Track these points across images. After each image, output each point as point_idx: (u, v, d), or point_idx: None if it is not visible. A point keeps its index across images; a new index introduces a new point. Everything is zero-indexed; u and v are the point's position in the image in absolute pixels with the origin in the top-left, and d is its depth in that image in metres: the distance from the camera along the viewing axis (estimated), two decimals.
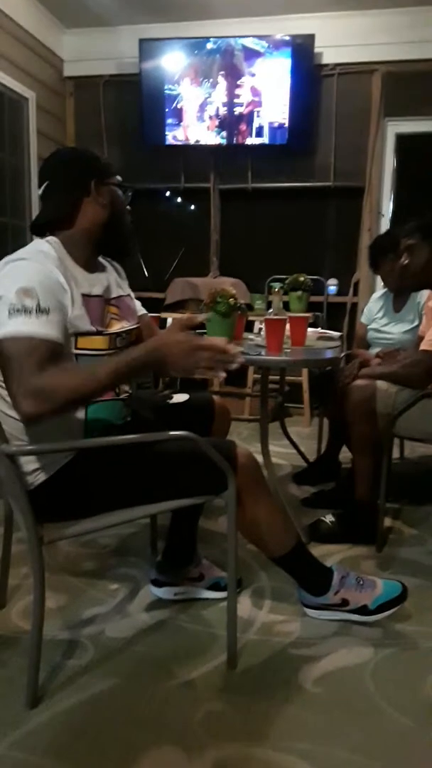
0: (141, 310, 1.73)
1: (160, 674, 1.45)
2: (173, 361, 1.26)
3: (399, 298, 2.89)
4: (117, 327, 1.51)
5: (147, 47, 4.05)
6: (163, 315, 3.87)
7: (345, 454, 2.59)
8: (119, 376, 1.28)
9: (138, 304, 1.74)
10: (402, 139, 4.13)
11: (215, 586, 1.77)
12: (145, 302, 3.93)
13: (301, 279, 3.46)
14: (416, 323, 2.82)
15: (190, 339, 1.27)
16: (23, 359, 1.21)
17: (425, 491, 2.76)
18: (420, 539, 2.23)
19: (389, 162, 4.15)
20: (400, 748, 1.24)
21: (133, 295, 1.69)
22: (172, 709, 1.34)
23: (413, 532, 2.29)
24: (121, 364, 1.27)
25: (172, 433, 1.39)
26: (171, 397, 1.80)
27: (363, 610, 1.63)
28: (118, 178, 1.55)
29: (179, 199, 4.46)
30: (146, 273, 4.42)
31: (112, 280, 1.57)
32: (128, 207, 1.58)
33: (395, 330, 2.92)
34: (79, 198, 1.45)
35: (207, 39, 3.97)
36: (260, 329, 2.58)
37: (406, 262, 2.10)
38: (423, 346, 2.07)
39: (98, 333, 1.42)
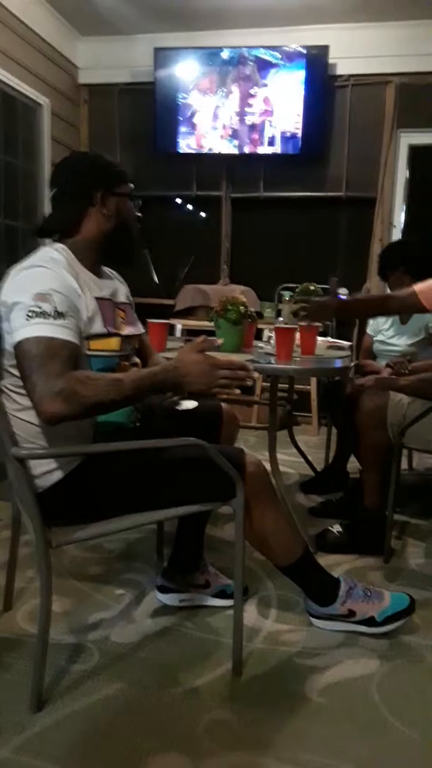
0: (140, 329, 1.74)
1: (165, 681, 1.45)
2: (192, 381, 1.32)
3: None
4: (126, 331, 1.53)
5: (162, 56, 4.08)
6: (173, 321, 3.88)
7: (353, 464, 2.58)
8: (141, 390, 1.30)
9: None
10: (415, 151, 4.13)
11: (221, 594, 1.77)
12: (156, 308, 3.95)
13: (312, 288, 3.47)
14: (422, 336, 2.83)
15: (207, 358, 1.33)
16: (46, 361, 1.22)
17: None
18: (428, 551, 2.21)
19: (402, 173, 4.15)
20: (406, 762, 1.23)
21: (133, 306, 1.69)
22: (176, 716, 1.33)
23: (421, 544, 2.27)
24: (144, 378, 1.30)
25: (180, 439, 1.39)
26: (180, 404, 1.81)
27: (370, 622, 1.62)
28: (131, 186, 1.56)
29: (191, 207, 4.48)
30: (156, 279, 4.44)
31: (119, 286, 1.60)
32: (139, 215, 1.60)
33: (401, 342, 2.92)
34: (84, 207, 1.47)
35: (221, 49, 4.00)
36: (270, 337, 2.58)
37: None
38: None
39: (111, 334, 1.43)
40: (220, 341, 1.50)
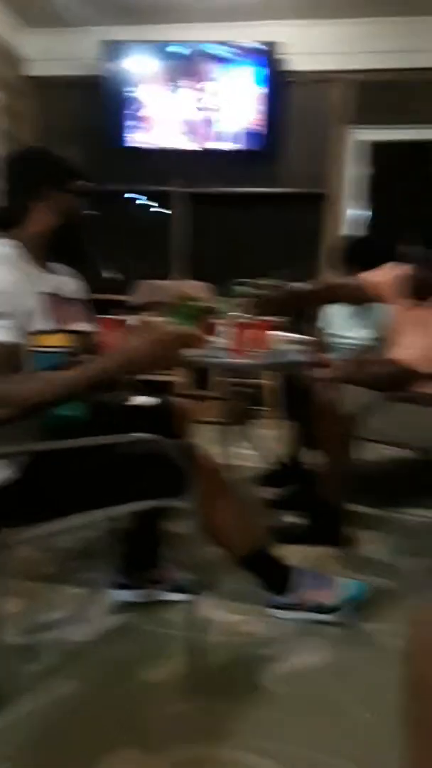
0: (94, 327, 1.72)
1: (122, 677, 1.44)
2: (144, 356, 1.32)
3: (360, 304, 2.93)
4: (73, 327, 1.50)
5: (111, 49, 4.04)
6: (128, 317, 3.84)
7: (312, 456, 2.61)
8: (85, 382, 1.30)
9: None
10: (366, 147, 4.19)
11: (179, 589, 1.76)
12: (110, 304, 3.90)
13: (266, 282, 3.49)
14: (373, 329, 2.88)
15: (153, 332, 1.36)
16: None
17: (388, 493, 2.79)
18: (383, 540, 2.26)
19: (352, 169, 4.21)
20: (363, 746, 1.25)
21: (89, 302, 1.68)
22: (133, 711, 1.33)
23: (376, 532, 2.32)
24: (88, 370, 1.30)
25: (132, 435, 1.38)
26: (132, 399, 1.80)
27: (325, 609, 1.65)
28: (83, 182, 1.54)
29: (145, 202, 4.45)
30: (111, 275, 4.39)
31: (67, 281, 1.57)
32: (92, 212, 1.59)
33: (354, 335, 2.97)
34: (31, 202, 1.45)
35: (172, 43, 3.98)
36: (225, 332, 2.58)
37: (415, 274, 2.11)
38: (398, 356, 2.10)
39: (55, 331, 1.41)
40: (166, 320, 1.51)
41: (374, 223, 4.27)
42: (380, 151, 4.21)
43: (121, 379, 1.42)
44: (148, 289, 4.05)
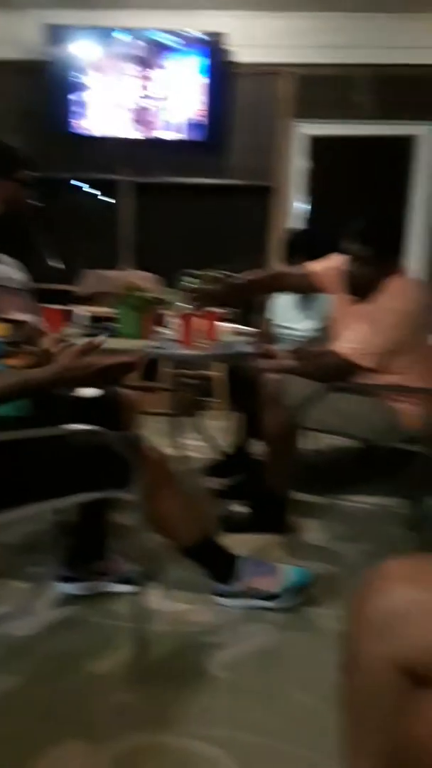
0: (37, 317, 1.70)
1: (68, 670, 1.43)
2: (82, 384, 1.37)
3: (305, 295, 2.98)
4: (12, 316, 1.48)
5: (55, 33, 3.94)
6: (74, 308, 3.78)
7: (258, 446, 2.65)
8: (24, 390, 1.31)
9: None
10: (311, 141, 4.24)
11: (125, 580, 1.76)
12: (56, 295, 3.83)
13: (215, 275, 3.50)
14: (319, 320, 2.93)
15: (93, 363, 1.33)
16: None
17: (331, 480, 2.86)
18: (326, 526, 2.32)
19: (298, 163, 4.26)
20: (305, 727, 1.29)
21: (32, 292, 1.65)
22: (79, 704, 1.33)
23: (320, 519, 2.37)
24: (25, 379, 1.31)
25: (76, 427, 1.37)
26: (78, 391, 1.78)
27: (269, 597, 1.68)
28: (29, 173, 1.52)
29: (91, 191, 4.37)
30: (56, 265, 4.31)
31: (10, 271, 1.55)
32: (38, 203, 1.56)
33: (300, 326, 3.02)
34: None
35: (118, 29, 3.92)
36: (173, 324, 2.58)
37: (351, 271, 2.14)
38: (339, 349, 2.15)
39: None
40: (100, 339, 1.49)
41: (317, 216, 4.32)
42: (322, 145, 4.26)
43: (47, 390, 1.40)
44: (94, 280, 4.00)
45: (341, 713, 0.82)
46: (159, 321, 2.61)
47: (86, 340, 1.41)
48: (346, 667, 0.81)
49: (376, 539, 2.22)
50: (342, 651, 0.81)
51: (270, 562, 1.75)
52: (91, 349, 1.37)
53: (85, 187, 4.36)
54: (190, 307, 2.13)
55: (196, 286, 2.41)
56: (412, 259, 4.10)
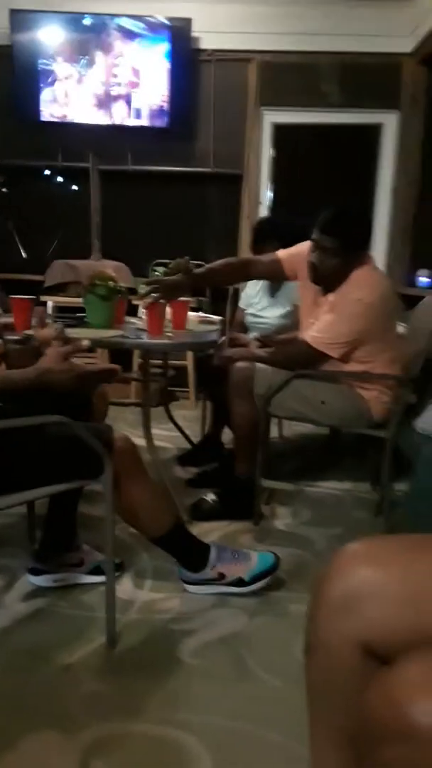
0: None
1: (38, 662, 1.43)
2: (62, 387, 1.36)
3: (274, 283, 3.00)
4: None
5: (19, 18, 3.85)
6: (42, 298, 3.74)
7: (227, 435, 2.67)
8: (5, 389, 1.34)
9: None
10: (277, 129, 4.24)
11: (96, 571, 1.77)
12: (23, 284, 3.78)
13: (184, 263, 3.49)
14: (288, 308, 2.95)
15: (74, 368, 1.36)
16: None
17: (299, 467, 2.90)
18: (294, 512, 2.35)
19: (266, 151, 4.26)
20: (273, 709, 1.31)
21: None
22: (49, 695, 1.33)
23: (288, 505, 2.41)
24: (7, 379, 1.33)
25: (44, 417, 1.36)
26: None
27: (239, 583, 1.71)
28: None
29: (58, 179, 4.31)
30: (24, 254, 4.25)
31: None
32: (3, 190, 1.55)
33: (270, 314, 3.04)
34: None
35: (83, 15, 3.85)
36: (144, 313, 2.57)
37: (316, 261, 2.14)
38: (306, 338, 2.17)
39: None
40: (86, 343, 1.48)
41: (281, 204, 4.33)
42: (286, 133, 4.26)
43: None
44: (63, 269, 3.95)
45: (306, 694, 0.84)
46: (130, 310, 2.60)
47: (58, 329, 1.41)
48: (308, 648, 0.83)
49: (343, 524, 2.26)
50: (305, 632, 0.83)
51: (239, 549, 1.77)
52: (75, 352, 1.39)
53: (50, 174, 4.29)
54: (154, 297, 2.12)
55: (157, 276, 2.40)
56: (377, 248, 4.15)
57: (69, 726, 1.24)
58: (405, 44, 3.89)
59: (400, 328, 2.37)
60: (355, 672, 0.77)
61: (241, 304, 3.22)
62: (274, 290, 3.05)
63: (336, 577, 0.80)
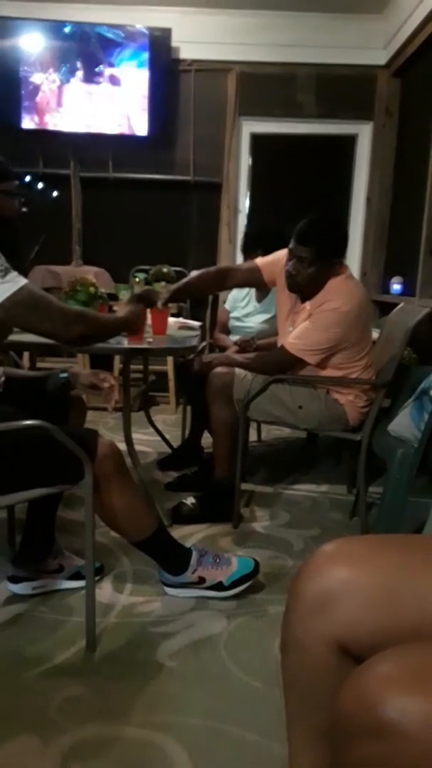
0: None
1: (16, 667, 1.44)
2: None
3: (262, 289, 3.03)
4: None
5: (0, 26, 3.85)
6: None
7: (207, 439, 2.69)
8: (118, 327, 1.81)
9: None
10: (255, 138, 4.29)
11: (76, 576, 1.78)
12: None
13: (165, 270, 3.52)
14: (272, 314, 2.99)
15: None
16: (47, 297, 1.50)
17: (278, 471, 2.94)
18: (272, 515, 2.38)
19: (245, 160, 4.31)
20: (251, 709, 1.33)
21: None
22: (29, 699, 1.34)
23: (267, 509, 2.44)
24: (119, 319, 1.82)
25: (24, 422, 1.37)
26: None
27: (218, 587, 1.73)
28: (15, 182, 1.56)
29: (39, 185, 4.31)
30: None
31: None
32: (24, 210, 1.61)
33: (254, 320, 3.07)
34: None
35: (64, 23, 3.87)
36: None
37: (293, 270, 2.17)
38: (286, 345, 2.20)
39: None
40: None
41: (260, 212, 4.38)
42: (264, 143, 4.32)
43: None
44: (44, 275, 3.95)
45: (283, 693, 0.87)
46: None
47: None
48: (284, 647, 0.85)
49: (320, 526, 2.30)
50: (281, 632, 0.85)
51: (219, 552, 1.79)
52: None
53: (31, 181, 4.29)
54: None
55: (145, 289, 2.42)
56: (352, 256, 4.22)
57: (48, 730, 1.25)
58: (379, 57, 3.98)
59: (375, 334, 2.42)
60: (330, 670, 0.78)
61: (227, 305, 3.24)
62: (262, 296, 3.08)
63: (311, 577, 0.81)
